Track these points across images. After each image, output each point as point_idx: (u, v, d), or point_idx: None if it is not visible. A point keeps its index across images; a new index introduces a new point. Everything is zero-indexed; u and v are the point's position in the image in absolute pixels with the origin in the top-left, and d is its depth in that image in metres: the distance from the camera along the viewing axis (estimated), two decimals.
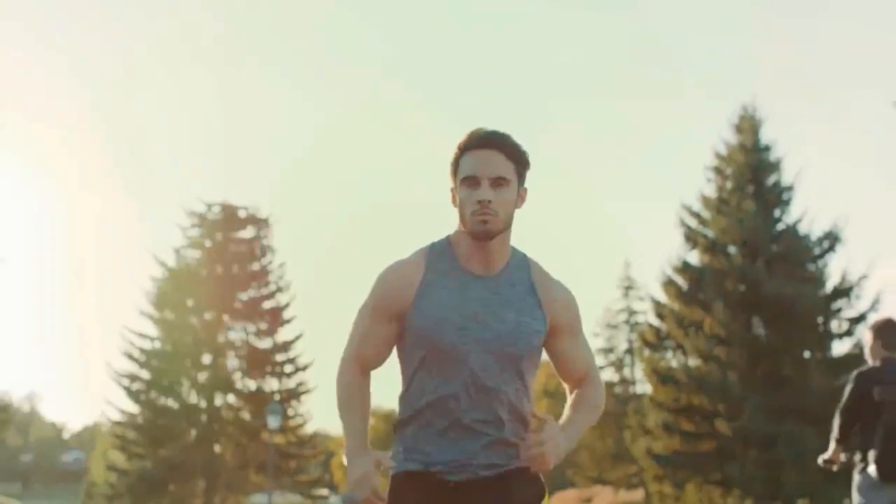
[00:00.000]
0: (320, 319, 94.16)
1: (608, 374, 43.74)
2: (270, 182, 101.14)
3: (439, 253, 3.25)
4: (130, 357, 37.44)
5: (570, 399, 3.37)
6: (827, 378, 28.57)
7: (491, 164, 3.15)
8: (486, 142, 3.18)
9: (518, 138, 3.22)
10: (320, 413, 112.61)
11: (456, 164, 3.22)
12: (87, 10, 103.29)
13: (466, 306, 3.16)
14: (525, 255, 3.31)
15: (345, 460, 3.23)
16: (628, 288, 44.27)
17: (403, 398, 3.28)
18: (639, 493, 39.62)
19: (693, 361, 30.24)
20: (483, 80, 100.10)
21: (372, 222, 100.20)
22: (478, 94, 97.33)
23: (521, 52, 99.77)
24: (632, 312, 44.14)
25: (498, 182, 3.15)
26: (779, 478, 28.01)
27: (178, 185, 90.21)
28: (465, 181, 3.16)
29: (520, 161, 3.20)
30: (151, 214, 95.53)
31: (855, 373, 6.72)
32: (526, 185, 3.28)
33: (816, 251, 30.15)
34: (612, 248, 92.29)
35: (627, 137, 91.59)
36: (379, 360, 3.32)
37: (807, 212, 30.83)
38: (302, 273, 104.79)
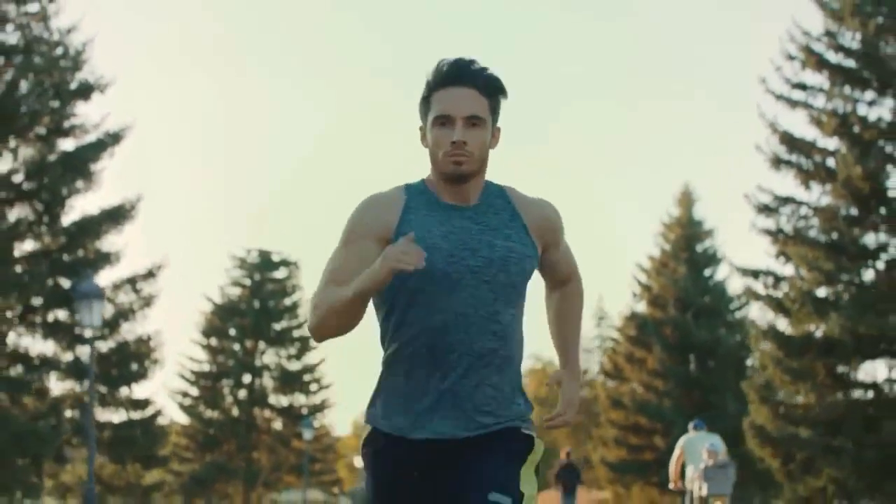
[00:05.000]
0: (341, 346, 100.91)
1: (584, 392, 54.98)
2: (271, 190, 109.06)
3: (416, 187, 3.23)
4: (182, 377, 47.68)
5: (554, 300, 3.45)
6: (740, 405, 39.69)
7: (465, 103, 3.11)
8: (458, 78, 3.13)
9: (491, 66, 3.17)
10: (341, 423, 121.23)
11: (426, 103, 3.17)
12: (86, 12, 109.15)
13: (453, 234, 3.14)
14: (500, 185, 3.29)
15: (366, 283, 2.98)
16: (601, 318, 55.56)
17: (386, 336, 3.22)
18: (607, 493, 50.79)
19: (638, 390, 41.51)
20: None
21: None
22: None
23: (523, 57, 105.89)
24: (603, 339, 55.37)
25: (472, 122, 3.11)
26: None
27: (179, 187, 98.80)
28: (437, 121, 3.12)
29: (494, 95, 3.17)
30: (150, 216, 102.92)
31: (558, 467, 21.36)
32: (499, 124, 3.22)
33: (735, 304, 41.34)
34: (612, 249, 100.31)
35: (629, 141, 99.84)
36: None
37: (733, 272, 41.89)
38: None
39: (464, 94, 3.12)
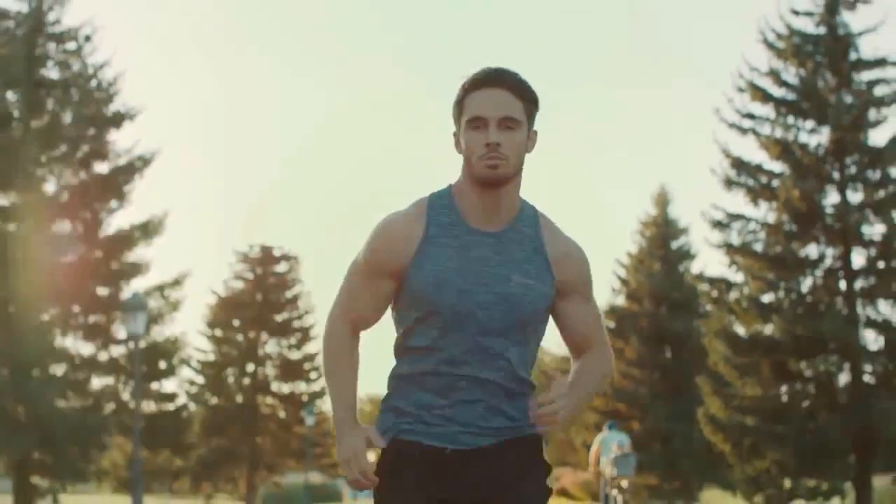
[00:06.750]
0: None
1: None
2: (271, 180, 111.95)
3: (441, 205, 3.21)
4: (189, 366, 50.53)
5: (575, 365, 3.34)
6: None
7: (499, 104, 3.11)
8: (493, 80, 3.14)
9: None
10: None
11: (460, 105, 3.17)
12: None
13: (469, 267, 3.13)
14: (535, 209, 3.27)
15: (334, 431, 3.18)
16: None
17: (400, 349, 3.28)
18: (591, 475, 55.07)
19: (617, 378, 45.78)
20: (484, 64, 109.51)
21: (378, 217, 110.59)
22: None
23: (523, 39, 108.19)
24: None
25: (507, 123, 3.11)
26: (675, 462, 43.47)
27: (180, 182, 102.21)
28: (472, 123, 3.12)
29: (530, 99, 3.17)
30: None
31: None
32: (535, 127, 3.21)
33: (706, 298, 45.51)
34: (607, 236, 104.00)
35: (624, 126, 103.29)
36: (371, 320, 3.29)
37: (706, 266, 46.22)
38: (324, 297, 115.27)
39: (498, 96, 3.13)
